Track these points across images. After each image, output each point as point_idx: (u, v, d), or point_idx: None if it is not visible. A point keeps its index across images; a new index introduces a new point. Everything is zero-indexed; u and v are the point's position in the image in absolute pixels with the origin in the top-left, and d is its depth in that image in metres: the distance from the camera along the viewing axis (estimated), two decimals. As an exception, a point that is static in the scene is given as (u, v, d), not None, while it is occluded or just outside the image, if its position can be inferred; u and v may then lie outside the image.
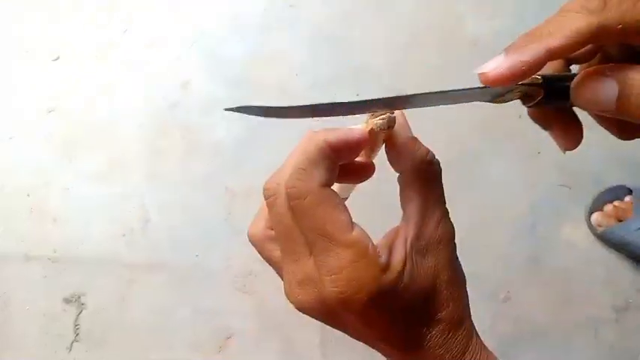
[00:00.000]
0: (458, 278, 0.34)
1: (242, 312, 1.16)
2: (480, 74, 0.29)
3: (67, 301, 1.18)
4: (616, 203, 1.18)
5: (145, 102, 1.27)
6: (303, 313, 0.32)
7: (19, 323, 1.18)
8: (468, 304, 0.35)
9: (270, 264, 0.37)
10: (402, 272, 0.31)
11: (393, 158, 0.35)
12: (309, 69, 1.31)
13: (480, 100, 0.33)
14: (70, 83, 1.29)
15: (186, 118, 1.27)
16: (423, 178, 0.34)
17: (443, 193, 0.35)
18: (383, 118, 0.34)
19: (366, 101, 0.32)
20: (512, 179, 1.23)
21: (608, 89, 0.28)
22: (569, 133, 0.34)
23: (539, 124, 0.36)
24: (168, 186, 1.22)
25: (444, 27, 1.36)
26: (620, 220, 1.16)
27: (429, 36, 1.35)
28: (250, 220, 1.17)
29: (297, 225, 0.31)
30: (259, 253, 0.37)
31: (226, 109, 0.30)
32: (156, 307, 1.17)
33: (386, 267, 0.30)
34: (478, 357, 0.34)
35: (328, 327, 0.34)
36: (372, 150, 0.37)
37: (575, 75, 0.31)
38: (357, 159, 0.35)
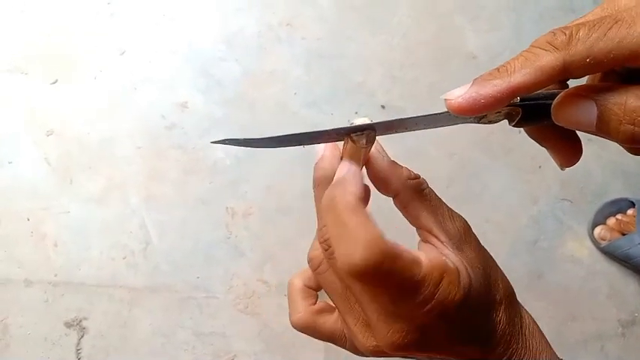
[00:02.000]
0: (491, 259, 0.36)
1: (245, 334, 1.15)
2: (445, 100, 0.30)
3: (68, 325, 1.17)
4: (619, 216, 1.18)
5: (142, 124, 1.27)
6: (402, 351, 0.31)
7: (19, 348, 1.17)
8: (506, 278, 0.36)
9: (329, 337, 0.36)
10: (466, 271, 0.32)
11: (381, 183, 0.35)
12: (306, 87, 1.31)
13: (466, 122, 0.33)
14: (68, 106, 1.29)
15: (185, 139, 1.26)
16: (417, 192, 0.34)
17: (437, 196, 0.36)
18: (361, 135, 0.33)
19: (340, 129, 0.33)
20: (513, 194, 1.23)
21: (587, 111, 0.29)
22: (566, 150, 0.34)
23: (537, 141, 0.36)
24: (168, 207, 1.22)
25: (441, 42, 1.36)
26: (624, 234, 1.15)
27: (426, 51, 1.35)
28: (251, 239, 1.16)
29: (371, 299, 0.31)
30: (314, 334, 0.37)
31: (213, 142, 0.33)
32: (157, 330, 1.16)
33: (457, 270, 0.31)
34: (531, 323, 0.36)
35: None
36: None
37: (557, 94, 0.31)
38: None
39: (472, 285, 0.31)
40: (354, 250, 0.27)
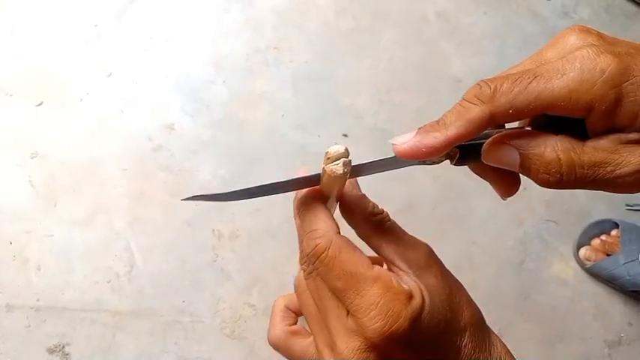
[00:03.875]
0: (458, 285, 0.38)
1: (231, 359, 1.13)
2: (392, 145, 0.33)
3: (50, 351, 1.14)
4: (603, 237, 1.19)
5: (128, 146, 1.27)
6: None
7: (-1, 376, 1.14)
8: (476, 304, 0.38)
9: (299, 358, 0.39)
10: (422, 295, 0.33)
11: (347, 214, 0.38)
12: (294, 110, 1.31)
13: (413, 164, 0.37)
14: (53, 128, 1.28)
15: (171, 161, 1.26)
16: (379, 227, 0.37)
17: (399, 228, 0.38)
18: (338, 164, 0.34)
19: (301, 178, 0.36)
20: (498, 216, 1.24)
21: (511, 156, 0.33)
22: (505, 183, 0.37)
23: (479, 175, 0.39)
24: (154, 230, 1.21)
25: (427, 66, 1.38)
26: (608, 254, 1.16)
27: (412, 75, 1.37)
28: (238, 262, 1.16)
29: (325, 287, 0.34)
30: (286, 352, 0.40)
31: (183, 200, 0.37)
32: (142, 354, 1.14)
33: (410, 292, 0.33)
34: (502, 350, 0.37)
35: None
36: (332, 199, 0.37)
37: (490, 135, 0.34)
38: None
39: (427, 308, 0.33)
40: (310, 235, 0.34)
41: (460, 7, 1.47)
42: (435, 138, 0.32)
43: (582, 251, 1.19)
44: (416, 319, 0.32)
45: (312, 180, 0.36)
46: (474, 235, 1.22)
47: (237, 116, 1.31)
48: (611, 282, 1.16)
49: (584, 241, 1.20)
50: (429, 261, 0.36)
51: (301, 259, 0.36)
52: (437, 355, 0.34)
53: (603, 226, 1.21)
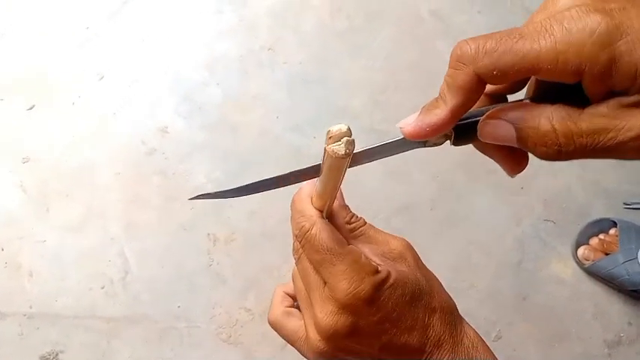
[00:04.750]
0: (431, 275, 0.41)
1: (228, 364, 1.12)
2: (400, 128, 0.34)
3: (44, 359, 1.13)
4: (601, 236, 1.18)
5: (121, 149, 1.25)
6: (337, 338, 0.38)
7: (-8, 385, 1.13)
8: (450, 297, 0.41)
9: (291, 335, 0.43)
10: (389, 272, 0.37)
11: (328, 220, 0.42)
12: (288, 111, 1.30)
13: (414, 148, 0.37)
14: (45, 132, 1.26)
15: (165, 165, 1.24)
16: (353, 230, 0.41)
17: (374, 230, 0.42)
18: (340, 144, 0.33)
19: (300, 170, 0.38)
20: (496, 216, 1.23)
21: (506, 132, 0.32)
22: (511, 159, 0.36)
23: (483, 153, 0.38)
24: (148, 235, 1.19)
25: (422, 66, 1.38)
26: (607, 254, 1.15)
27: (408, 75, 1.36)
28: (234, 266, 1.14)
29: (310, 267, 0.39)
30: (280, 330, 0.45)
31: (190, 199, 0.40)
32: (137, 361, 1.12)
33: (377, 268, 0.37)
34: (476, 339, 0.40)
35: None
36: (331, 186, 0.37)
37: (486, 111, 0.34)
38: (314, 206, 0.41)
39: (392, 281, 0.37)
40: (297, 219, 0.40)
41: (454, 6, 1.46)
42: (437, 115, 0.32)
43: (581, 251, 1.18)
44: (379, 286, 0.36)
45: (314, 170, 0.37)
46: (472, 234, 1.21)
47: (232, 118, 1.29)
48: (610, 281, 1.15)
49: (582, 240, 1.20)
50: (402, 254, 0.40)
51: (293, 245, 0.41)
52: (402, 324, 0.37)
53: (601, 225, 1.20)
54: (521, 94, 0.36)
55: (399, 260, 0.40)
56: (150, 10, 1.40)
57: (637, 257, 1.11)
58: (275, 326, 0.45)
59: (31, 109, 1.28)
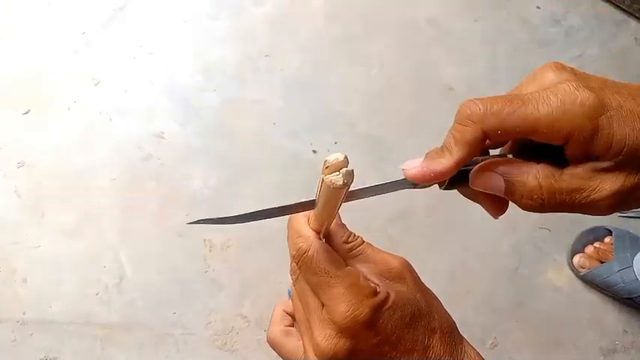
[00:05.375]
0: (431, 294, 0.42)
1: (223, 371, 1.11)
2: (402, 170, 0.37)
3: (37, 365, 1.12)
4: (597, 244, 1.19)
5: (117, 154, 1.25)
6: None
7: (-16, 392, 1.11)
8: (450, 316, 0.41)
9: (289, 355, 0.44)
10: (388, 293, 0.37)
11: (326, 239, 0.42)
12: (285, 117, 1.30)
13: (404, 188, 0.39)
14: (40, 137, 1.26)
15: (161, 170, 1.24)
16: (350, 252, 0.41)
17: (372, 249, 0.42)
18: (338, 174, 0.33)
19: (298, 204, 0.38)
20: (492, 223, 1.23)
21: (496, 183, 0.36)
22: (494, 204, 0.40)
23: (468, 198, 0.42)
24: (144, 240, 1.18)
25: (418, 73, 1.38)
26: (602, 261, 1.16)
27: (404, 82, 1.37)
28: (230, 273, 1.14)
29: (308, 288, 0.39)
30: (279, 350, 0.45)
31: (188, 223, 0.39)
32: (132, 368, 1.11)
33: (375, 289, 0.37)
34: (472, 356, 0.40)
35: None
36: (328, 212, 0.38)
37: (476, 162, 0.37)
38: (311, 227, 0.41)
39: (391, 303, 0.37)
40: (295, 240, 0.40)
41: (451, 14, 1.47)
42: (442, 164, 0.35)
43: (576, 259, 1.19)
44: (377, 308, 0.36)
45: (309, 204, 0.39)
46: (468, 242, 1.22)
47: (229, 124, 1.29)
48: (605, 289, 1.16)
49: (578, 248, 1.20)
50: (401, 274, 0.40)
51: (290, 265, 0.41)
52: (402, 346, 0.37)
53: (597, 234, 1.21)
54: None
55: (397, 280, 0.40)
56: (146, 15, 1.39)
57: (632, 265, 1.11)
58: (274, 345, 0.46)
59: (26, 113, 1.28)
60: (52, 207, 1.20)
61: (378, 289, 0.37)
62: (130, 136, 1.27)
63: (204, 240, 1.19)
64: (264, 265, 1.17)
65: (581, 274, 1.18)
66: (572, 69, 0.35)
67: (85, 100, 1.29)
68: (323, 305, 0.38)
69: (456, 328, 0.41)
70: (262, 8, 1.42)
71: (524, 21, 1.48)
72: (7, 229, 1.18)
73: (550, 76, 0.35)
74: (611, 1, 1.50)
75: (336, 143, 1.28)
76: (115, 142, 1.26)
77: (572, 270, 1.20)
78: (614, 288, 1.13)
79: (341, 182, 0.32)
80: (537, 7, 1.50)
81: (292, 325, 0.47)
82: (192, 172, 1.24)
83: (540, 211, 0.35)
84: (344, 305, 0.36)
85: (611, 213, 0.35)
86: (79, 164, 1.24)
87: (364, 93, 1.35)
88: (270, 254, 1.17)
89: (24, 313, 1.13)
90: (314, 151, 1.26)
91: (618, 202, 0.33)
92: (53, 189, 1.22)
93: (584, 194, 0.34)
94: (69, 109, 1.28)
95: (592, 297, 1.20)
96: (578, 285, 1.20)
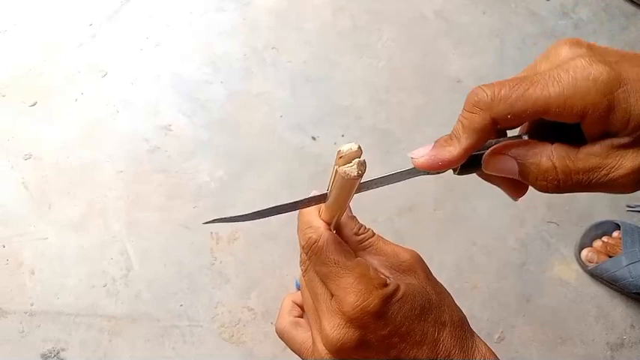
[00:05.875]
0: (441, 288, 0.41)
1: (230, 363, 1.11)
2: (411, 158, 0.36)
3: (45, 357, 1.12)
4: (605, 239, 1.18)
5: (124, 147, 1.25)
6: (344, 352, 0.37)
7: (-7, 382, 1.12)
8: (461, 310, 0.41)
9: (299, 346, 0.43)
10: (398, 285, 0.37)
11: (337, 232, 0.42)
12: (292, 110, 1.30)
13: (416, 176, 0.38)
14: (47, 129, 1.26)
15: (168, 163, 1.24)
16: (362, 241, 0.41)
17: (383, 241, 0.42)
18: (352, 165, 0.33)
19: (309, 198, 0.38)
20: (500, 216, 1.22)
21: (509, 166, 0.35)
22: (513, 185, 0.39)
23: (486, 181, 0.41)
24: (151, 233, 1.19)
25: (426, 66, 1.37)
26: (610, 256, 1.15)
27: (411, 75, 1.36)
28: (237, 265, 1.14)
29: (317, 278, 0.39)
30: (288, 340, 0.45)
31: (204, 223, 0.39)
32: (139, 360, 1.12)
33: (385, 281, 0.37)
34: (488, 354, 0.39)
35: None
36: (340, 203, 0.38)
37: (490, 145, 0.36)
38: (322, 218, 0.41)
39: (401, 294, 0.37)
40: (305, 230, 0.39)
41: (459, 6, 1.46)
42: (450, 152, 0.35)
43: (584, 253, 1.18)
44: (387, 299, 0.36)
45: (324, 197, 0.39)
46: (476, 235, 1.21)
47: (235, 117, 1.29)
48: (613, 284, 1.15)
49: (585, 242, 1.19)
50: (412, 267, 0.40)
51: (300, 256, 0.41)
52: (411, 338, 0.37)
53: (605, 228, 1.20)
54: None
55: (408, 273, 0.40)
56: (153, 7, 1.39)
57: (640, 260, 1.11)
58: (282, 336, 0.45)
59: (33, 105, 1.28)
60: (59, 199, 1.20)
61: (388, 281, 0.37)
62: (137, 129, 1.26)
63: (211, 233, 1.19)
64: (270, 258, 1.17)
65: (589, 268, 1.17)
66: (588, 44, 0.34)
67: (92, 92, 1.29)
68: (332, 295, 0.38)
69: (467, 322, 0.40)
70: (269, 1, 1.41)
71: (532, 13, 1.47)
72: (14, 221, 1.19)
73: (564, 53, 0.34)
74: (621, -6, 1.49)
75: (343, 136, 1.27)
76: (122, 134, 1.26)
77: (580, 264, 1.20)
78: (622, 282, 1.12)
79: (355, 173, 0.33)
80: (546, 0, 1.48)
81: (301, 317, 0.47)
82: (199, 164, 1.24)
83: (556, 192, 0.34)
84: (353, 295, 0.36)
85: (635, 191, 0.33)
86: (86, 156, 1.24)
87: (371, 86, 1.34)
88: (276, 247, 1.17)
89: (32, 305, 1.14)
90: (313, 138, 1.26)
91: (638, 182, 0.32)
92: (60, 181, 1.22)
93: (603, 172, 0.32)
94: (76, 100, 1.28)
95: (600, 291, 1.19)
96: (586, 279, 1.20)
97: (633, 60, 0.32)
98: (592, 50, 0.33)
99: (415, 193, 1.22)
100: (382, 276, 0.38)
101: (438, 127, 1.26)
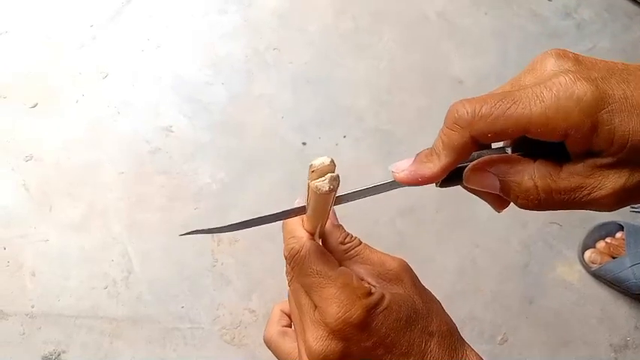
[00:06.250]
0: (430, 297, 0.40)
1: (231, 365, 1.11)
2: (392, 172, 0.36)
3: (46, 359, 1.12)
4: (608, 240, 1.18)
5: (125, 148, 1.24)
6: None
7: (-7, 385, 1.12)
8: (451, 319, 0.40)
9: (286, 356, 0.43)
10: (383, 294, 0.36)
11: (322, 241, 0.42)
12: (293, 111, 1.29)
13: (396, 188, 0.38)
14: (48, 130, 1.26)
15: (169, 164, 1.24)
16: (346, 253, 0.41)
17: (369, 250, 0.41)
18: (324, 180, 0.33)
19: (289, 210, 0.38)
20: (502, 218, 1.22)
21: (491, 182, 0.35)
22: (494, 199, 0.38)
23: (470, 192, 0.40)
24: (152, 234, 1.18)
25: (427, 66, 1.37)
26: (614, 257, 1.15)
27: (413, 76, 1.35)
28: (238, 267, 1.14)
29: (301, 288, 0.38)
30: (275, 350, 0.45)
31: (181, 235, 0.41)
32: (140, 362, 1.11)
33: (369, 290, 0.36)
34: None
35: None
36: (318, 215, 0.38)
37: (470, 162, 0.36)
38: (305, 228, 0.41)
39: (386, 304, 0.36)
40: (288, 241, 0.40)
41: (461, 7, 1.45)
42: (430, 169, 0.34)
43: (587, 254, 1.17)
44: (371, 310, 0.35)
45: (301, 210, 0.39)
46: (478, 238, 1.21)
47: (237, 118, 1.28)
48: (616, 285, 1.15)
49: (589, 243, 1.19)
50: (399, 275, 0.39)
51: (285, 266, 0.41)
52: (397, 349, 0.36)
53: (608, 229, 1.19)
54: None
55: (395, 282, 0.39)
56: (154, 8, 1.39)
57: (644, 261, 1.10)
58: (270, 345, 0.45)
59: (34, 107, 1.28)
60: (60, 201, 1.20)
61: (372, 290, 0.37)
62: (138, 130, 1.26)
63: (212, 235, 1.18)
64: (271, 260, 1.16)
65: (592, 269, 1.17)
66: (575, 56, 0.33)
67: (93, 94, 1.29)
68: (315, 307, 0.37)
69: (457, 331, 0.40)
70: (271, 2, 1.41)
71: (534, 14, 1.46)
72: (15, 222, 1.18)
73: (549, 66, 0.33)
74: (623, -6, 1.48)
75: (344, 137, 1.27)
76: (123, 135, 1.26)
77: (583, 265, 1.19)
78: (626, 284, 1.12)
79: (327, 188, 0.33)
80: (548, 0, 1.48)
81: (290, 326, 0.47)
82: (200, 166, 1.24)
83: (538, 210, 0.34)
84: (335, 306, 0.35)
85: (616, 209, 0.33)
86: (87, 158, 1.23)
87: (373, 87, 1.34)
88: (277, 248, 1.16)
89: (32, 307, 1.13)
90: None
91: (621, 200, 0.32)
92: (61, 182, 1.22)
93: (584, 192, 0.32)
94: (77, 102, 1.28)
95: (603, 293, 1.18)
96: (589, 281, 1.19)
97: (620, 74, 0.31)
98: (578, 64, 0.32)
99: (417, 194, 1.21)
100: (367, 285, 0.37)
101: (440, 127, 1.26)
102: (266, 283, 1.15)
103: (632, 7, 1.49)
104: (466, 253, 1.19)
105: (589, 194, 0.31)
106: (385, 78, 1.35)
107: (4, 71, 1.30)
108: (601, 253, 1.16)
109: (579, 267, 1.20)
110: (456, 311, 1.15)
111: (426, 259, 1.17)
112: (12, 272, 1.15)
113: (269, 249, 1.17)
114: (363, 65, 1.36)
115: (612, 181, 0.31)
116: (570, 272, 1.19)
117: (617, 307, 1.18)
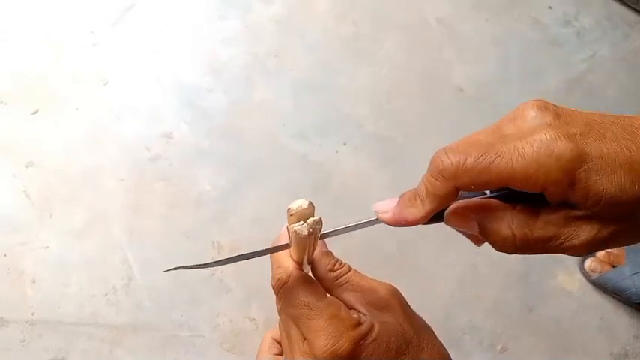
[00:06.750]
0: (421, 324, 0.41)
1: (231, 373, 1.11)
2: (375, 211, 0.37)
3: (45, 366, 1.12)
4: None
5: (126, 155, 1.24)
6: None
7: (-7, 392, 1.12)
8: (444, 346, 0.40)
9: None
10: (372, 324, 0.37)
11: (311, 269, 0.43)
12: (294, 118, 1.30)
13: (377, 224, 0.39)
14: (49, 137, 1.26)
15: (170, 171, 1.24)
16: (337, 278, 0.41)
17: (360, 277, 0.42)
18: (302, 224, 0.34)
19: (273, 247, 0.40)
20: (503, 226, 1.22)
21: (470, 225, 0.36)
22: (473, 236, 0.39)
23: (451, 227, 0.41)
24: (152, 242, 1.18)
25: (428, 74, 1.37)
26: (614, 266, 1.15)
27: (413, 83, 1.36)
28: (238, 275, 1.14)
29: (289, 318, 0.39)
30: None
31: (164, 271, 0.42)
32: (140, 369, 1.11)
33: (358, 320, 0.37)
34: None
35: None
36: (303, 249, 0.38)
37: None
38: (292, 257, 0.42)
39: (375, 335, 0.36)
40: (275, 270, 0.41)
41: (461, 14, 1.45)
42: (413, 214, 0.36)
43: (587, 262, 1.18)
44: (359, 341, 0.36)
45: (285, 247, 0.40)
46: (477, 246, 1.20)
47: (237, 125, 1.28)
48: (616, 294, 1.15)
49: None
50: (389, 302, 0.40)
51: (275, 296, 0.41)
52: None
53: (608, 237, 1.19)
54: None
55: (385, 309, 0.39)
56: (155, 15, 1.39)
57: (644, 270, 1.10)
58: None
59: (35, 113, 1.28)
60: (61, 207, 1.20)
61: (362, 320, 0.37)
62: (138, 137, 1.26)
63: (213, 242, 1.19)
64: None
65: (592, 278, 1.17)
66: (555, 108, 0.34)
67: (94, 100, 1.29)
68: (304, 338, 0.37)
69: (449, 358, 0.40)
70: (271, 8, 1.41)
71: (535, 21, 1.47)
72: (15, 229, 1.18)
73: (530, 118, 0.34)
74: (623, 2, 1.49)
75: (345, 144, 1.27)
76: (124, 142, 1.26)
77: (583, 274, 1.19)
78: (626, 292, 1.12)
79: (305, 232, 0.34)
80: (549, 7, 1.48)
81: (281, 354, 0.46)
82: (200, 173, 1.24)
83: (514, 253, 0.36)
84: (324, 338, 0.36)
85: (585, 254, 0.34)
86: (88, 164, 1.23)
87: (373, 93, 1.34)
88: (278, 256, 1.16)
89: (33, 314, 1.13)
90: (316, 146, 1.26)
91: (593, 249, 0.34)
92: (62, 189, 1.22)
93: (559, 241, 0.33)
94: (77, 109, 1.28)
95: (603, 301, 1.18)
96: (589, 289, 1.19)
97: (599, 130, 0.33)
98: (557, 119, 0.33)
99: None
100: (356, 315, 0.37)
101: (441, 134, 1.26)
102: (266, 291, 1.15)
103: (632, 15, 1.49)
104: (467, 261, 1.19)
105: (562, 243, 0.33)
106: (386, 84, 1.36)
107: (5, 77, 1.30)
108: (601, 261, 1.17)
109: (579, 275, 1.20)
110: (456, 319, 1.15)
111: (427, 268, 1.17)
112: (12, 279, 1.15)
113: (269, 257, 1.17)
114: (363, 72, 1.37)
115: (585, 232, 0.33)
116: (570, 281, 1.20)
117: (617, 315, 1.18)
